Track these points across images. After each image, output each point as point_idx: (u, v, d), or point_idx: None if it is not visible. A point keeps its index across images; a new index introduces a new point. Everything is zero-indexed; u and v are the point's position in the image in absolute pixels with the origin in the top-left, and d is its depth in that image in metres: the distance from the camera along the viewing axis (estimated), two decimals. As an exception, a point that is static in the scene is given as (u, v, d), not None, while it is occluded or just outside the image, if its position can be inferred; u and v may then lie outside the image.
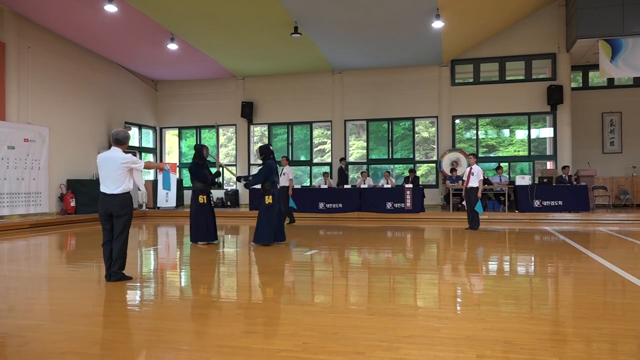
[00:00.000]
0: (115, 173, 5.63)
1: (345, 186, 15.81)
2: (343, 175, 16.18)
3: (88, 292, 5.37)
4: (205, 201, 9.09)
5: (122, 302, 5.03)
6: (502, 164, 16.45)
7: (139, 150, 18.64)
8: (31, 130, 13.77)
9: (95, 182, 15.81)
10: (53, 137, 14.53)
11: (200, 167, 9.17)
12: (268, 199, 8.70)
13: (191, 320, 4.34)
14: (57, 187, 14.83)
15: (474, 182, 10.95)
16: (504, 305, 4.64)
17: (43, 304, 5.08)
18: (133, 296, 5.24)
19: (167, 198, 19.11)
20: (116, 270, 5.72)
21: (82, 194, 14.94)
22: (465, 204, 11.46)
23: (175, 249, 9.18)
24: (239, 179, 9.29)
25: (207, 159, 9.40)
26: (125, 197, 5.72)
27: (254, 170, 19.09)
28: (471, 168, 11.05)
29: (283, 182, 12.28)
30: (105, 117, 16.88)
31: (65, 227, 12.89)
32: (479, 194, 10.95)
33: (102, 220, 5.73)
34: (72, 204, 14.78)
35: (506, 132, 18.05)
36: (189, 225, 9.29)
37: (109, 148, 18.29)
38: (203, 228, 9.04)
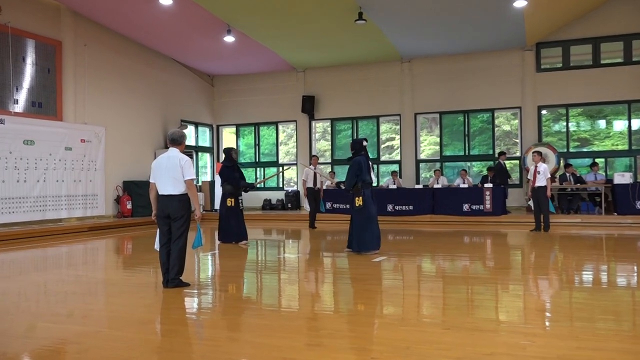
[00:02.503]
0: (176, 172, 5.85)
1: (416, 186, 15.64)
2: (504, 172, 15.55)
3: (145, 299, 5.60)
4: (232, 204, 9.98)
5: (180, 310, 5.21)
6: (597, 160, 15.70)
7: (196, 150, 19.25)
8: (87, 130, 14.54)
9: (152, 184, 16.45)
10: (109, 137, 15.26)
11: (230, 170, 9.94)
12: (358, 201, 8.40)
13: (251, 330, 4.43)
14: (114, 189, 15.58)
15: (541, 181, 11.45)
16: (601, 321, 4.45)
17: (101, 310, 5.36)
18: (191, 304, 5.42)
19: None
20: (174, 276, 5.92)
21: (139, 195, 15.58)
22: (532, 205, 11.97)
23: (234, 255, 9.40)
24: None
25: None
26: (184, 198, 5.94)
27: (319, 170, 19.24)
28: (537, 166, 11.51)
29: (319, 183, 13.26)
30: (160, 115, 17.56)
31: (122, 231, 13.53)
32: (549, 193, 11.43)
33: (160, 223, 5.96)
34: (129, 206, 15.47)
35: (602, 123, 17.22)
36: (218, 226, 10.31)
37: (165, 147, 18.72)
38: (234, 229, 9.97)
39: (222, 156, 16.82)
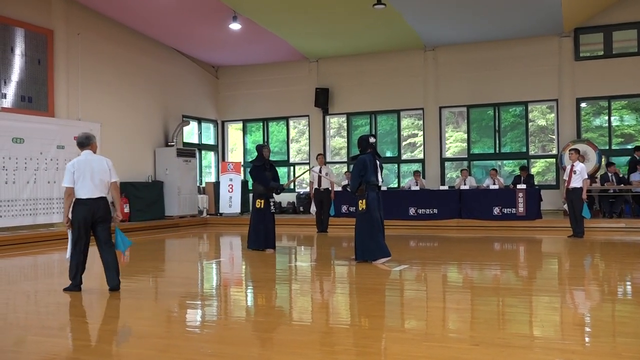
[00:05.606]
0: (104, 175, 6.48)
1: (441, 187, 15.58)
2: (635, 168, 14.99)
3: (144, 311, 5.65)
4: (262, 205, 9.77)
5: (182, 323, 5.25)
6: (643, 158, 15.56)
7: (199, 148, 19.35)
8: (81, 127, 14.59)
9: (152, 185, 16.61)
10: (105, 134, 15.34)
11: (260, 169, 9.81)
12: (362, 204, 8.35)
13: (260, 345, 4.45)
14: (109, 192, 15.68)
15: (577, 182, 11.48)
16: (647, 337, 4.42)
17: (95, 322, 5.41)
18: (194, 316, 5.46)
19: (230, 203, 19.61)
20: (119, 280, 6.45)
21: (137, 198, 15.68)
22: (567, 208, 12.03)
23: (240, 262, 9.44)
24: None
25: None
26: (108, 200, 6.52)
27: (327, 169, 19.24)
28: (573, 165, 11.56)
29: (324, 184, 13.48)
30: (160, 110, 17.66)
31: (119, 236, 13.60)
32: (584, 196, 11.37)
33: (83, 229, 6.38)
34: (126, 209, 15.56)
35: (648, 117, 17.08)
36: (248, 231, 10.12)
37: (166, 145, 18.64)
38: (261, 234, 9.76)
39: (228, 154, 16.81)
